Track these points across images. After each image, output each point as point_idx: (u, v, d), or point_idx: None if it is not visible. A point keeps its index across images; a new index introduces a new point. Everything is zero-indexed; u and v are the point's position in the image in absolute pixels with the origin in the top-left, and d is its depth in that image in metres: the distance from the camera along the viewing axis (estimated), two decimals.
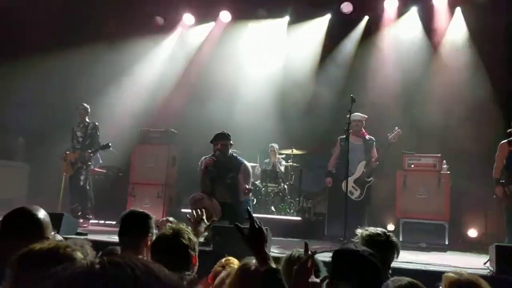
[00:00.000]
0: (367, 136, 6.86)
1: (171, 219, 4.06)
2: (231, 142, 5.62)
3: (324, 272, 2.21)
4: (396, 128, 6.60)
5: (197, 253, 2.45)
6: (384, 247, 2.64)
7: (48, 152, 8.55)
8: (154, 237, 2.67)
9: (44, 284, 0.79)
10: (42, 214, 1.97)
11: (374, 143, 6.82)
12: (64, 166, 7.50)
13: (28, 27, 8.86)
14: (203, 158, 5.67)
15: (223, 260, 2.76)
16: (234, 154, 5.71)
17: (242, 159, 5.66)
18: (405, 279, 2.15)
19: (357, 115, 6.61)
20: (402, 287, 2.12)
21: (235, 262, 2.81)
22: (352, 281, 1.91)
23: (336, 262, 2.04)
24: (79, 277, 0.75)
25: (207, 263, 2.72)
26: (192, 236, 2.44)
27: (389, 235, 2.80)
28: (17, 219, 1.88)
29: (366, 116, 6.89)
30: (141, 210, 2.85)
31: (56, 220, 4.95)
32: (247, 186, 5.42)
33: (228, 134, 5.60)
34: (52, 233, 3.13)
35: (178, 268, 2.16)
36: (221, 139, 5.52)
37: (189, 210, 6.87)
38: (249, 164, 5.74)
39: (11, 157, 9.28)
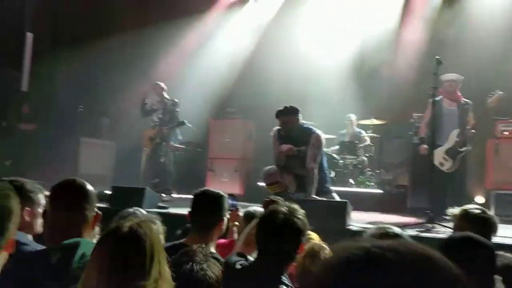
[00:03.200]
0: (463, 100, 6.05)
1: (278, 198, 3.46)
2: (299, 115, 5.35)
3: None
4: (497, 90, 5.94)
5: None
6: (481, 224, 2.43)
7: (131, 130, 8.93)
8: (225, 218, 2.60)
9: None
10: (90, 188, 1.98)
11: (471, 108, 6.04)
12: (145, 141, 7.78)
13: (101, 10, 9.21)
14: (274, 129, 5.56)
15: None
16: (305, 125, 5.49)
17: (313, 129, 5.41)
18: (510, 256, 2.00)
19: (452, 74, 5.95)
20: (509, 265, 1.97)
21: (315, 237, 2.72)
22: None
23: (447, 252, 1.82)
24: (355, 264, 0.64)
25: None
26: (306, 220, 2.13)
27: (484, 210, 2.58)
28: (67, 191, 1.93)
29: (462, 77, 6.14)
30: (214, 189, 2.71)
31: (139, 194, 5.15)
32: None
33: (291, 108, 5.30)
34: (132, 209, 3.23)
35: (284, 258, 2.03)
36: (283, 115, 5.28)
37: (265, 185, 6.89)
38: (322, 134, 5.48)
39: (99, 136, 9.80)
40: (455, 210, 2.52)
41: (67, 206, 1.88)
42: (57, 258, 1.70)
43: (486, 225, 2.47)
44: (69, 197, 1.90)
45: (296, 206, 2.12)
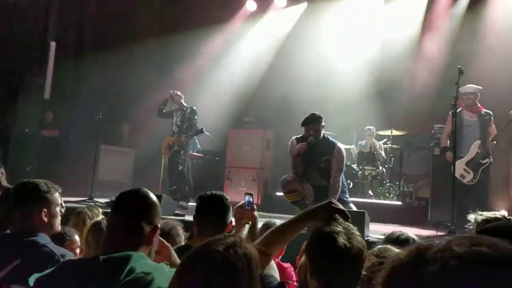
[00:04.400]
0: (484, 111, 5.96)
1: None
2: (323, 124, 5.32)
3: None
4: None
5: None
6: (505, 234, 2.34)
7: (149, 137, 9.00)
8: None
9: None
10: (153, 198, 1.85)
11: (492, 118, 5.94)
12: (163, 149, 7.82)
13: (125, 18, 9.34)
14: (294, 138, 5.47)
15: None
16: (327, 136, 5.44)
17: (336, 141, 5.37)
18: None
19: (469, 86, 5.86)
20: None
21: None
22: None
23: None
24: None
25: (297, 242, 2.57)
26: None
27: (510, 219, 2.48)
28: (130, 199, 1.82)
29: (481, 88, 6.04)
30: (218, 192, 2.66)
31: None
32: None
33: (320, 116, 5.27)
34: None
35: None
36: (313, 124, 5.20)
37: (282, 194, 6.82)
38: (343, 147, 5.44)
39: (119, 143, 9.90)
40: (478, 217, 2.43)
41: (123, 212, 1.76)
42: (104, 271, 1.58)
43: (506, 233, 2.37)
44: (128, 203, 1.79)
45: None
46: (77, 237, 2.68)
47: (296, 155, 5.29)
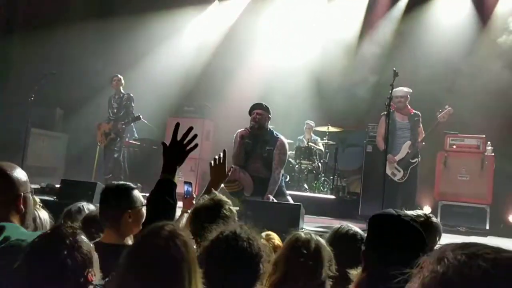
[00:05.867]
0: (413, 112, 6.33)
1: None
2: (270, 115, 5.36)
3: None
4: (447, 106, 6.20)
5: None
6: (425, 230, 2.49)
7: (85, 122, 8.69)
8: (143, 210, 2.44)
9: None
10: (13, 170, 1.96)
11: (420, 119, 6.33)
12: (99, 136, 7.59)
13: None
14: (238, 131, 5.50)
15: (263, 234, 2.61)
16: (272, 129, 5.51)
17: (279, 135, 5.44)
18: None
19: (400, 90, 6.18)
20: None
21: (275, 237, 2.73)
22: (391, 250, 1.65)
23: (372, 228, 1.78)
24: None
25: None
26: (233, 208, 2.27)
27: (430, 216, 2.65)
28: None
29: (411, 91, 6.40)
30: (122, 182, 2.59)
31: (90, 189, 4.99)
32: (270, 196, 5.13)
33: (266, 106, 5.35)
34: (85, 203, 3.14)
35: None
36: (258, 108, 5.26)
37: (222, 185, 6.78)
38: (286, 141, 5.50)
39: (51, 127, 9.46)
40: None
41: None
42: None
43: (431, 230, 2.54)
44: None
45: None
46: None
47: (241, 143, 5.28)
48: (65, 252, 1.43)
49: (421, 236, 1.71)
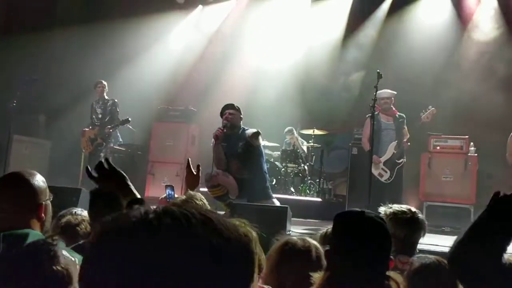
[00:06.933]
0: (398, 114, 6.44)
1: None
2: (241, 115, 5.39)
3: None
4: (430, 106, 6.28)
5: None
6: (410, 225, 2.52)
7: (68, 129, 8.58)
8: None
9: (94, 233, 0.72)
10: (34, 178, 1.97)
11: (405, 121, 6.43)
12: (84, 143, 7.50)
13: (45, 2, 8.82)
14: (212, 134, 5.48)
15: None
16: (243, 127, 5.47)
17: (248, 128, 5.40)
18: (431, 257, 2.02)
19: (385, 92, 6.27)
20: (428, 265, 1.99)
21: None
22: (355, 250, 1.58)
23: (336, 228, 1.71)
24: (134, 228, 0.68)
25: None
26: (205, 201, 2.30)
27: (415, 212, 2.68)
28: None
29: (395, 93, 6.50)
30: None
31: (74, 195, 4.94)
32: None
33: (238, 106, 5.38)
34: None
35: None
36: (228, 108, 5.31)
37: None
38: (252, 130, 5.39)
39: (33, 134, 9.32)
40: (388, 210, 2.60)
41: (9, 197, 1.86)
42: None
43: (416, 226, 2.56)
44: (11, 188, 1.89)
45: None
46: None
47: (217, 146, 5.27)
48: (43, 267, 1.38)
49: (385, 232, 1.64)
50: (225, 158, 5.31)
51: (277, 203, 5.28)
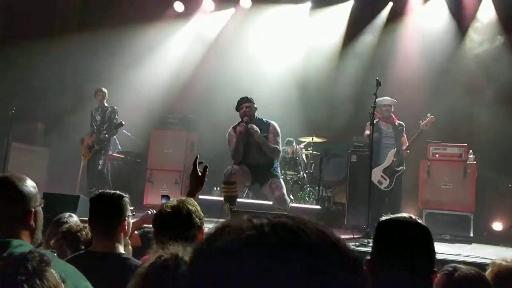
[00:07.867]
0: (397, 122, 6.51)
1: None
2: (256, 107, 5.52)
3: None
4: (429, 114, 6.30)
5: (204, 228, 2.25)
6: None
7: (67, 136, 8.57)
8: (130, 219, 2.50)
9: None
10: (23, 183, 1.79)
11: (404, 129, 6.50)
12: (82, 150, 7.49)
13: (44, 10, 8.84)
14: (230, 128, 5.56)
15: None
16: (260, 118, 5.59)
17: (270, 120, 5.57)
18: (473, 269, 1.96)
19: (386, 99, 6.31)
20: (471, 276, 1.94)
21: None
22: (404, 256, 1.61)
23: (379, 233, 1.73)
24: (249, 242, 0.62)
25: None
26: (198, 207, 2.25)
27: (416, 219, 2.66)
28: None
29: (396, 100, 6.56)
30: (111, 191, 2.56)
31: (73, 202, 4.95)
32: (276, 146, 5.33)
33: (251, 98, 5.53)
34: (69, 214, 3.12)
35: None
36: (244, 101, 5.45)
37: (207, 197, 6.80)
38: (277, 125, 5.60)
39: (32, 142, 9.32)
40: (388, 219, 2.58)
41: None
42: None
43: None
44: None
45: None
46: None
47: (238, 138, 5.37)
48: (26, 283, 1.18)
49: (428, 236, 1.70)
50: (243, 150, 5.41)
51: (282, 183, 5.49)
